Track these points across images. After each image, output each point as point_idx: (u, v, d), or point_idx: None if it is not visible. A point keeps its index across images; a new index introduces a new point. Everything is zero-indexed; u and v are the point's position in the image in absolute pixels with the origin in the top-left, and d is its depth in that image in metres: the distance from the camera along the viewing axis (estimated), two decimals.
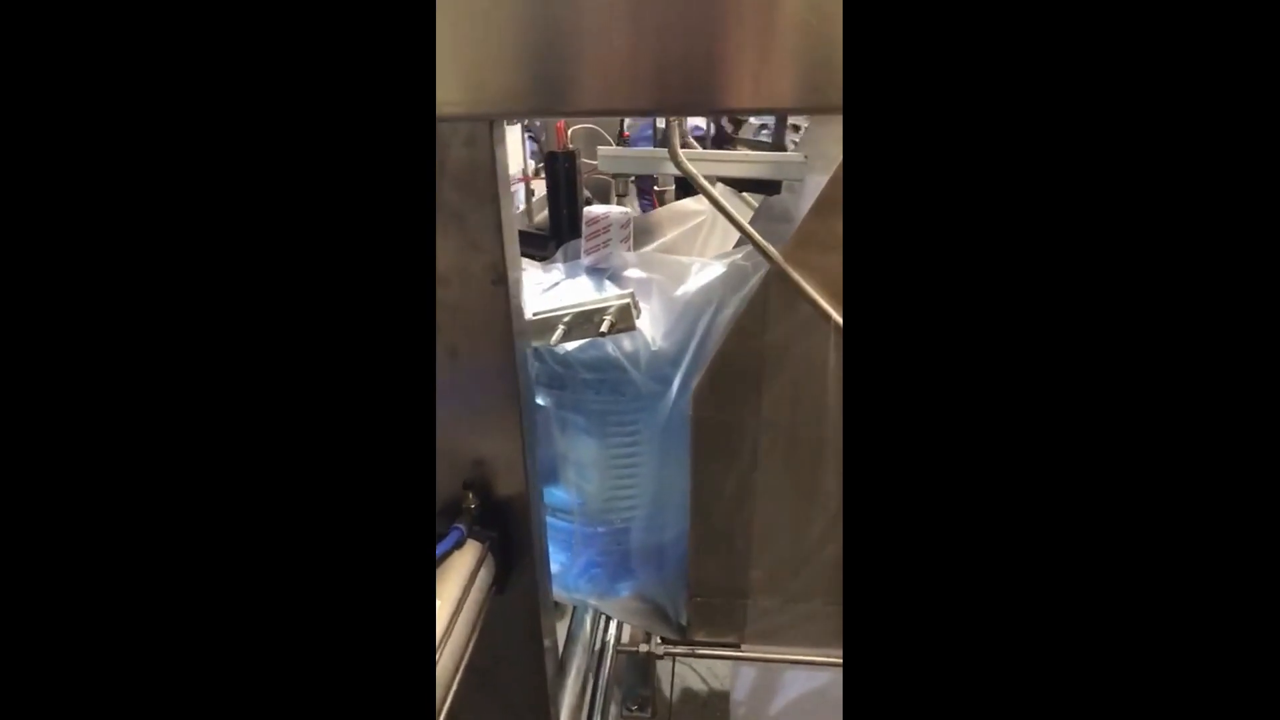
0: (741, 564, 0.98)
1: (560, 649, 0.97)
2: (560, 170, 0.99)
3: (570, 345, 0.83)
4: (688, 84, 0.48)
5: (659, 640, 1.05)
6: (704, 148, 1.11)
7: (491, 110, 0.52)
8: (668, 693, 1.46)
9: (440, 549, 0.64)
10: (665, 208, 1.14)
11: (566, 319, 0.82)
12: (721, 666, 1.59)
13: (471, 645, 0.64)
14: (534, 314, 0.82)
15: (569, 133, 1.01)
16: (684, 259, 0.91)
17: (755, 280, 0.84)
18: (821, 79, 0.47)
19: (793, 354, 0.86)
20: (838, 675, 1.04)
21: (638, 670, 1.06)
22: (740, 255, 0.90)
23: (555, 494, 0.95)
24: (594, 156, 1.03)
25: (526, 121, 1.57)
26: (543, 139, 1.46)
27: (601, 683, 1.09)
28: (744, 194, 1.08)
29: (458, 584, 0.63)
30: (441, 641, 0.59)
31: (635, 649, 1.04)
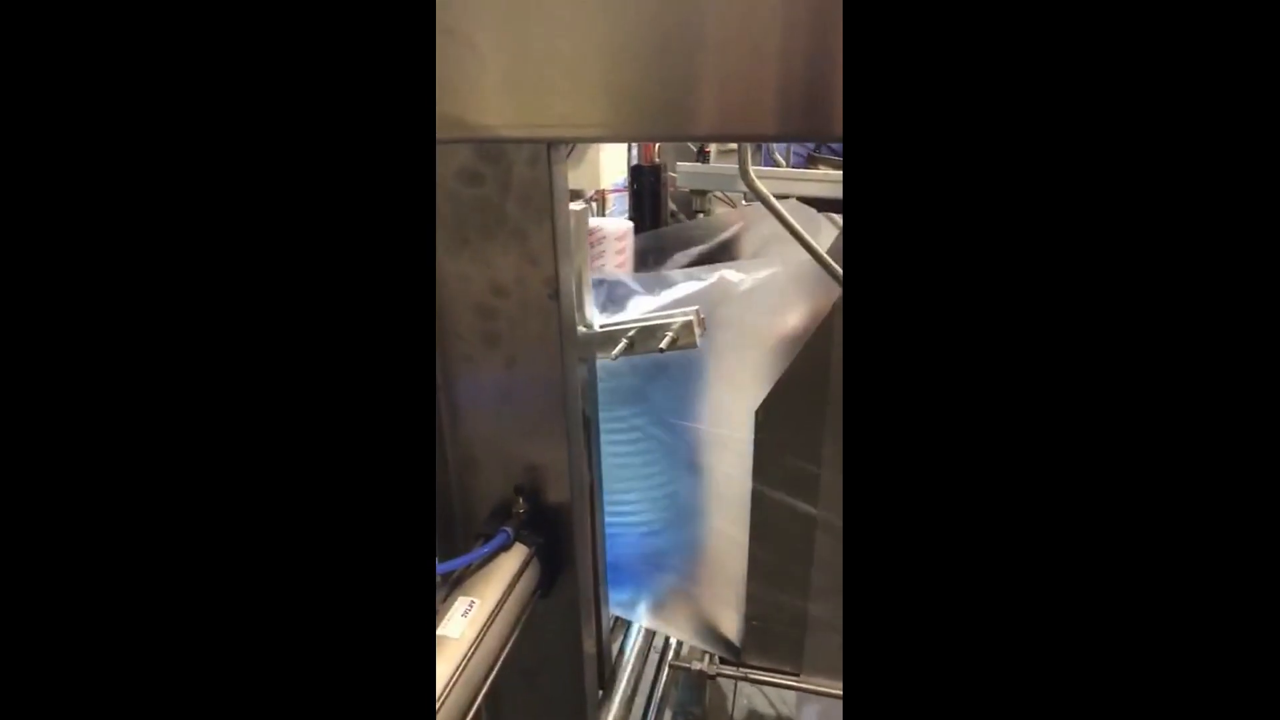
0: (800, 594, 0.96)
1: (611, 657, 0.98)
2: (645, 184, 1.01)
3: None
4: (808, 110, 0.48)
5: (713, 660, 1.04)
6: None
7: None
8: (730, 711, 1.44)
9: (487, 549, 0.67)
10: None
11: (631, 333, 0.83)
12: (790, 692, 1.55)
13: (510, 645, 0.66)
14: (600, 326, 0.84)
15: (657, 147, 1.03)
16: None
17: (826, 301, 0.82)
18: None
19: None
20: None
21: (693, 688, 1.05)
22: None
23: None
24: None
25: None
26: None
27: (655, 697, 1.09)
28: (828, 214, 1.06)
29: (500, 585, 0.66)
30: (479, 637, 0.61)
31: (688, 666, 1.03)
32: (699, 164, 1.02)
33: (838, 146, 1.05)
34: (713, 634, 1.06)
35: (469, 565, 0.66)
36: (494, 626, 0.63)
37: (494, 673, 0.63)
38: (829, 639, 0.97)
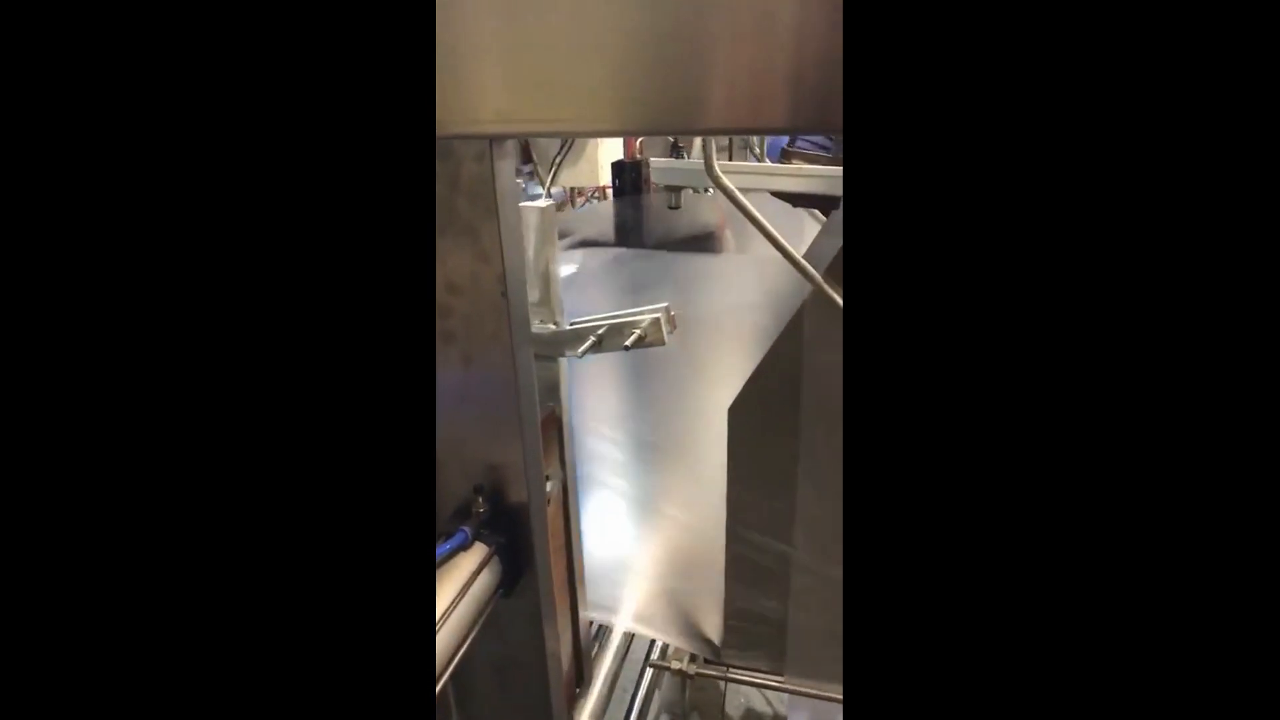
0: (779, 593, 0.95)
1: (590, 656, 0.97)
2: (627, 179, 1.00)
3: None
4: (820, 101, 0.47)
5: (694, 660, 1.03)
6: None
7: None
8: (723, 707, 1.43)
9: (443, 549, 0.67)
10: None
11: (601, 330, 0.82)
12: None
13: (469, 643, 0.66)
14: (571, 324, 0.84)
15: (639, 142, 1.02)
16: None
17: (795, 300, 0.81)
18: None
19: (833, 377, 0.82)
20: None
21: (676, 688, 1.05)
22: None
23: None
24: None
25: None
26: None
27: (638, 696, 1.08)
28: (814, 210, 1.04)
29: (456, 583, 0.66)
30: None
31: (668, 666, 1.03)
32: (673, 159, 1.01)
33: (818, 140, 1.03)
34: (695, 633, 1.05)
35: None
36: (448, 625, 0.63)
37: (449, 670, 0.63)
38: (808, 638, 0.96)
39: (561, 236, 0.93)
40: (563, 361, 0.83)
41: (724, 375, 0.91)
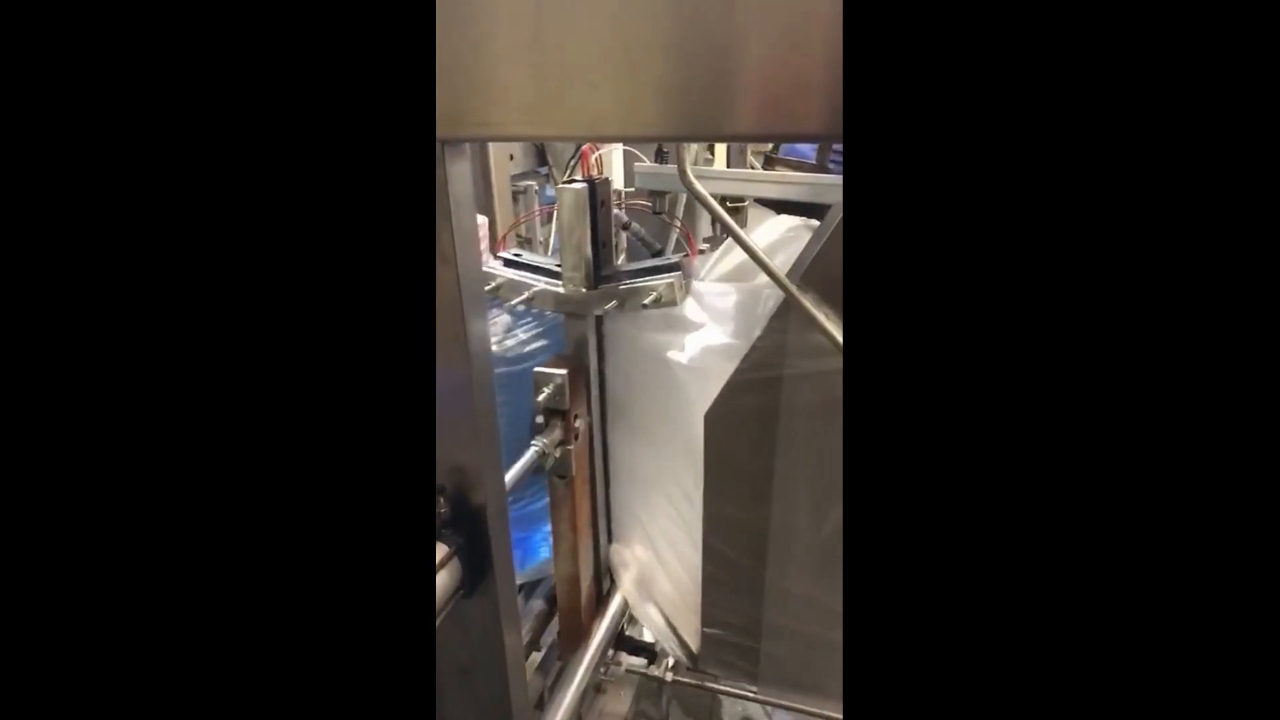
0: (754, 603, 0.94)
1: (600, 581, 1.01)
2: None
3: None
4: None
5: (671, 667, 1.03)
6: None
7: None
8: (711, 709, 1.43)
9: None
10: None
11: (624, 293, 0.91)
12: None
13: None
14: (598, 287, 0.91)
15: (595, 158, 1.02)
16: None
17: (771, 307, 0.80)
18: None
19: (809, 386, 0.81)
20: None
21: (651, 693, 1.04)
22: None
23: None
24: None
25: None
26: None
27: (602, 699, 1.09)
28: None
29: None
30: None
31: (644, 671, 1.02)
32: (655, 165, 1.00)
33: (801, 149, 1.02)
34: (676, 639, 1.05)
35: None
36: None
37: None
38: (783, 649, 0.95)
39: None
40: (590, 319, 0.96)
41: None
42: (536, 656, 1.15)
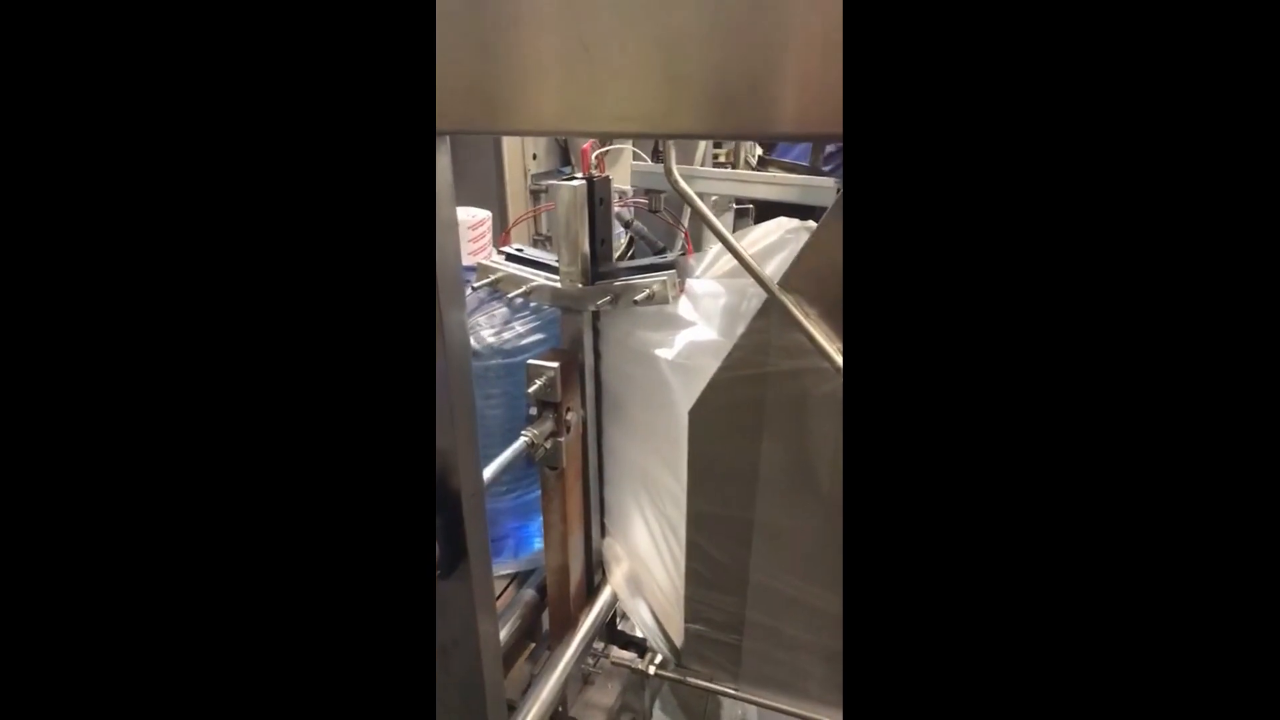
0: (737, 601, 0.94)
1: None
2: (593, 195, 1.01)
3: None
4: None
5: (653, 661, 1.04)
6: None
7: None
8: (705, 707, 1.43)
9: None
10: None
11: (618, 289, 0.92)
12: None
13: None
14: (594, 283, 0.92)
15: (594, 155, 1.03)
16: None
17: (755, 306, 0.80)
18: None
19: (792, 382, 0.81)
20: None
21: (634, 686, 1.06)
22: None
23: None
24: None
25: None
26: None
27: (590, 690, 1.10)
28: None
29: None
30: None
31: (628, 664, 1.03)
32: (649, 163, 1.01)
33: (791, 149, 1.02)
34: (663, 634, 1.06)
35: None
36: None
37: None
38: (765, 648, 0.95)
39: None
40: (586, 314, 0.97)
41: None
42: (530, 645, 1.17)
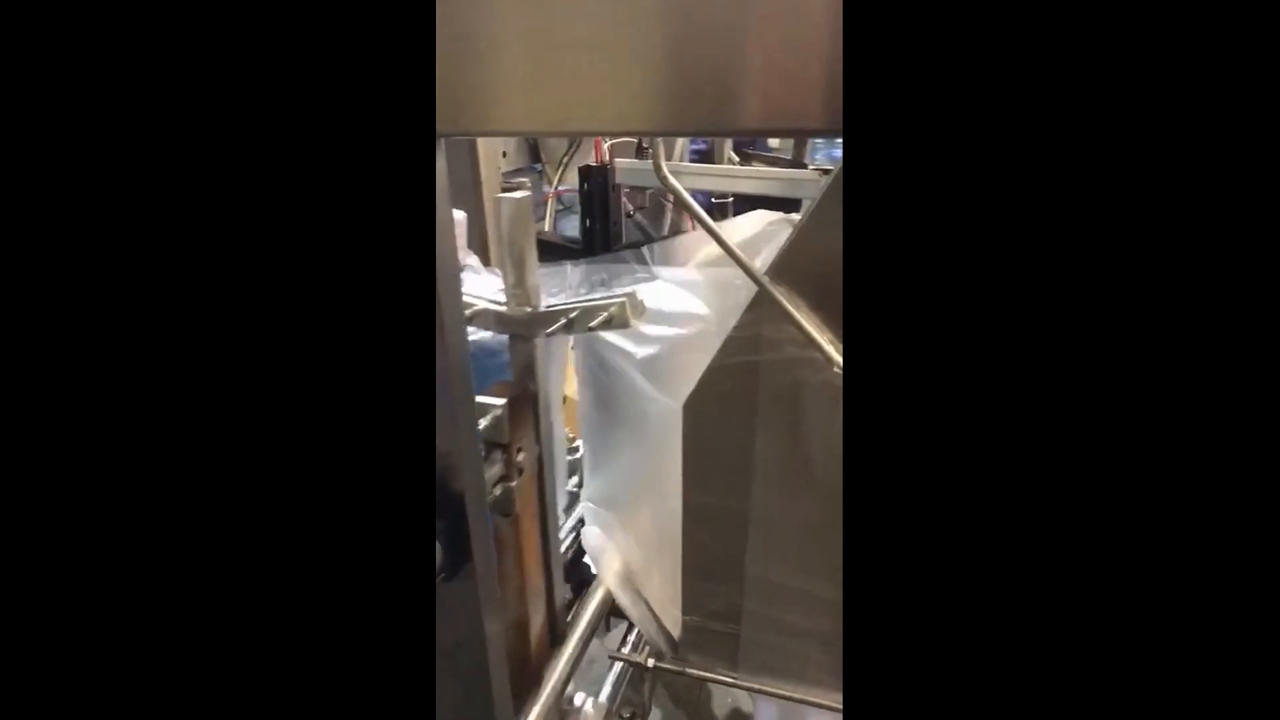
0: (734, 591, 0.95)
1: (555, 623, 1.01)
2: (594, 184, 1.02)
3: None
4: None
5: (653, 654, 1.05)
6: None
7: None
8: (698, 699, 1.45)
9: None
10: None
11: (573, 313, 0.85)
12: None
13: None
14: (546, 306, 0.87)
15: (607, 146, 1.03)
16: None
17: (745, 296, 0.82)
18: None
19: (785, 377, 0.83)
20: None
21: (634, 680, 1.06)
22: None
23: None
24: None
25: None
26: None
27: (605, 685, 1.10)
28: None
29: None
30: None
31: (625, 657, 1.04)
32: (636, 160, 1.02)
33: (772, 144, 1.04)
34: (658, 626, 1.07)
35: None
36: None
37: None
38: (763, 636, 0.96)
39: None
40: (538, 341, 0.89)
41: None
42: None
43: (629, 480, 1.07)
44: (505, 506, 0.89)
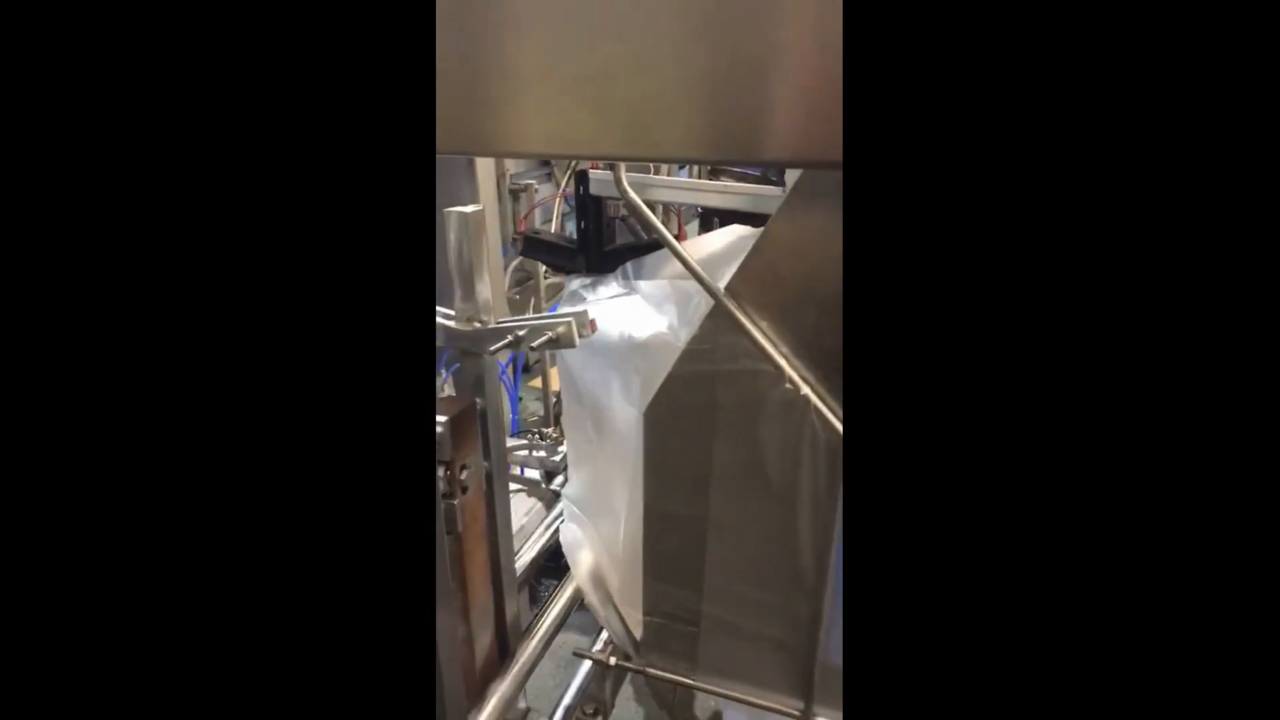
0: (693, 595, 0.98)
1: (506, 639, 1.03)
2: (588, 188, 1.04)
3: None
4: None
5: (615, 652, 1.07)
6: None
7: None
8: (673, 702, 1.47)
9: None
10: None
11: (521, 331, 0.87)
12: None
13: None
14: (497, 322, 0.89)
15: None
16: None
17: (701, 305, 0.84)
18: None
19: (743, 385, 0.85)
20: None
21: (597, 677, 1.09)
22: None
23: None
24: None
25: None
26: None
27: (570, 685, 1.13)
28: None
29: None
30: None
31: (589, 655, 1.07)
32: (603, 172, 1.05)
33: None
34: (624, 626, 1.09)
35: None
36: None
37: None
38: (721, 639, 0.98)
39: None
40: (487, 358, 0.89)
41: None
42: None
43: (600, 483, 1.10)
44: (449, 524, 0.88)
